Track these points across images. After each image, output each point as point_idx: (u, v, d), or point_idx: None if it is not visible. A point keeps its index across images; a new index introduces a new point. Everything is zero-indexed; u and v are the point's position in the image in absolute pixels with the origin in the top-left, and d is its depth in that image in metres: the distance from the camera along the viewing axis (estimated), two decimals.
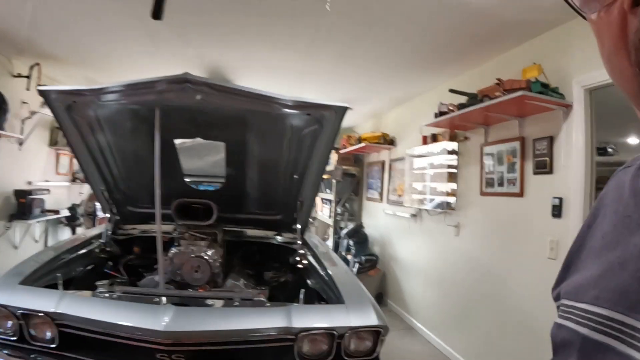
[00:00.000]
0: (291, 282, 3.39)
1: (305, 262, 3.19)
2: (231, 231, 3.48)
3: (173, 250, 2.88)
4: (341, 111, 2.52)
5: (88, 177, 3.16)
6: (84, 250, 3.10)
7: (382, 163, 6.67)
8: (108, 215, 3.46)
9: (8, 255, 4.92)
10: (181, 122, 2.77)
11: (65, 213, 5.90)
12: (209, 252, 2.83)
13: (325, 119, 2.60)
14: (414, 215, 5.49)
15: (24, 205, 4.91)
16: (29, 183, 5.25)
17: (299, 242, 3.35)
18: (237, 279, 2.99)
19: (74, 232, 6.00)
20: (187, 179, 3.26)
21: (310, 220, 4.62)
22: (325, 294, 2.68)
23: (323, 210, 8.12)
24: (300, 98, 2.50)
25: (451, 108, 4.09)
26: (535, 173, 3.36)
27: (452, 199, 4.60)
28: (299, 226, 3.38)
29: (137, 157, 3.04)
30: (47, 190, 5.43)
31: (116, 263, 3.34)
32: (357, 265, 6.27)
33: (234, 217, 3.41)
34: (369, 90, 5.46)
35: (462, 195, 4.49)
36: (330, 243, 7.38)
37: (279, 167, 3.03)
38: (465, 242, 4.41)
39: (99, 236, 3.31)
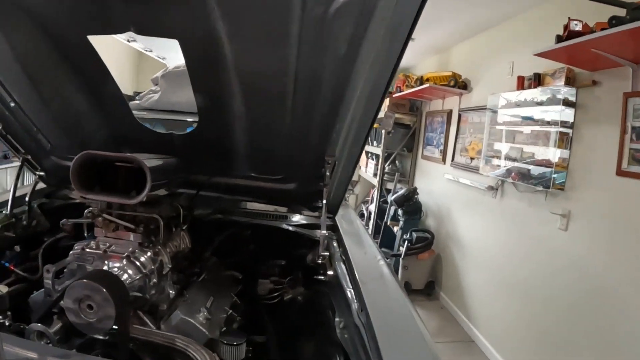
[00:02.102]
0: (300, 304, 2.16)
1: (330, 272, 1.88)
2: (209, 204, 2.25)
3: (74, 251, 1.58)
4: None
5: None
6: None
7: (448, 113, 5.41)
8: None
9: None
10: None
11: None
12: (135, 263, 1.54)
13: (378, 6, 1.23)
14: (491, 188, 4.19)
15: None
16: None
17: (324, 231, 1.96)
18: (193, 310, 1.68)
19: None
20: (137, 114, 1.91)
21: (350, 189, 3.12)
22: (351, 350, 1.44)
23: (367, 167, 6.87)
24: None
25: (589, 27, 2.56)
26: None
27: (560, 174, 3.25)
28: (324, 202, 1.99)
29: (38, 75, 1.75)
30: None
31: (29, 246, 2.14)
32: (405, 243, 4.87)
33: (215, 181, 2.13)
34: (433, 14, 3.99)
35: (580, 169, 3.16)
36: (373, 208, 6.02)
37: (286, 95, 1.61)
38: (576, 241, 3.13)
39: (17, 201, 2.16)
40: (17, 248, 2.14)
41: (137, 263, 1.54)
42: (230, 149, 1.97)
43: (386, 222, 5.95)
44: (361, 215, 6.67)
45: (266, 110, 1.75)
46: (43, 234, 2.33)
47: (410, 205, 5.39)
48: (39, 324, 1.42)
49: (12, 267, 2.02)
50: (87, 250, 1.55)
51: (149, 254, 1.61)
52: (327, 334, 1.67)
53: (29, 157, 2.18)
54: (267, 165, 2.08)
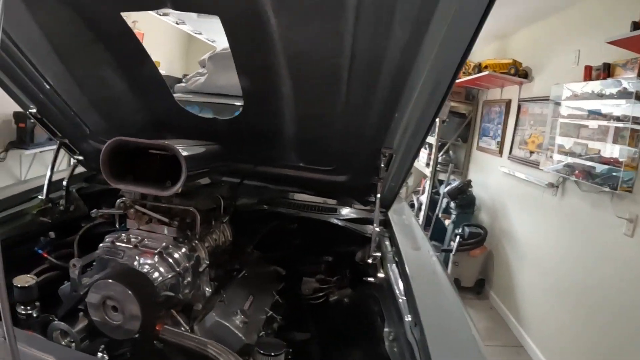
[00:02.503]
0: (346, 307, 1.97)
1: (381, 274, 1.71)
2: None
3: (103, 244, 1.49)
4: None
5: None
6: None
7: (507, 103, 5.05)
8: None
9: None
10: None
11: None
12: (167, 260, 1.43)
13: None
14: (551, 185, 3.87)
15: (23, 131, 3.94)
16: None
17: (376, 228, 1.80)
18: (230, 311, 1.55)
19: None
20: (181, 97, 1.78)
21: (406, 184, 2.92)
22: None
23: (420, 156, 6.44)
24: None
25: None
26: None
27: (628, 174, 2.92)
28: (377, 196, 1.82)
29: (71, 56, 1.65)
30: None
31: (66, 232, 2.06)
32: (457, 238, 4.61)
33: (260, 170, 1.97)
34: None
35: None
36: (424, 199, 5.80)
37: (340, 79, 1.43)
38: None
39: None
40: (52, 234, 2.07)
41: (170, 260, 1.42)
42: (277, 136, 1.81)
43: (437, 215, 5.70)
44: (411, 206, 6.42)
45: (318, 95, 1.57)
46: (80, 219, 2.27)
47: (464, 198, 5.12)
48: (62, 323, 1.33)
49: (45, 255, 1.95)
50: (118, 243, 1.44)
51: (183, 249, 1.49)
52: (374, 344, 1.51)
53: (67, 140, 2.11)
54: (317, 155, 1.91)
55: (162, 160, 1.50)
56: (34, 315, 1.46)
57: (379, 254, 1.77)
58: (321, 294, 2.04)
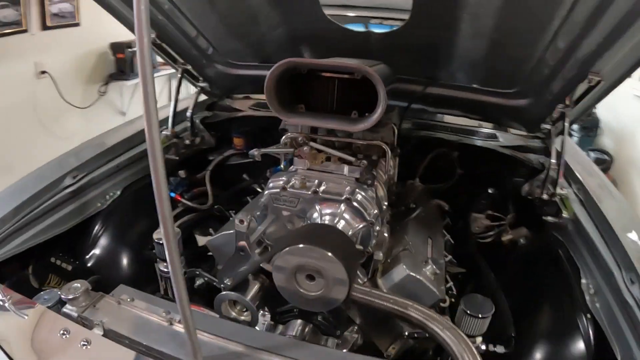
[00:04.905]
0: (525, 249, 1.68)
1: (566, 215, 1.45)
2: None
3: (270, 191, 1.23)
4: None
5: None
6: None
7: None
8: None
9: (114, 123, 3.96)
10: None
11: None
12: (356, 207, 1.17)
13: None
14: None
15: (122, 61, 3.80)
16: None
17: (553, 159, 1.54)
18: (418, 261, 1.30)
19: None
20: (327, 10, 1.46)
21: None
22: (612, 329, 1.12)
23: None
24: None
25: None
26: None
27: None
28: (566, 125, 1.51)
29: None
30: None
31: (194, 169, 1.97)
32: None
33: (428, 92, 1.67)
34: None
35: None
36: None
37: None
38: None
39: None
40: (182, 173, 1.90)
41: (360, 207, 1.17)
42: (448, 53, 1.51)
43: None
44: None
45: (525, 7, 1.24)
46: (208, 152, 2.08)
47: (587, 120, 4.53)
48: (233, 293, 1.15)
49: (178, 198, 1.79)
50: (291, 190, 1.19)
51: (369, 193, 1.22)
52: (571, 297, 1.30)
53: (189, 67, 1.87)
54: (497, 76, 1.59)
55: (327, 86, 1.22)
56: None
57: (565, 192, 1.50)
58: (492, 232, 1.76)
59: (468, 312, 1.17)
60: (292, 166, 1.34)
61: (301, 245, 0.96)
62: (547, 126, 1.66)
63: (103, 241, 1.55)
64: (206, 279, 1.35)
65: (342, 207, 1.15)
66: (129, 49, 3.65)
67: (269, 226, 1.22)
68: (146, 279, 1.46)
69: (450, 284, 1.40)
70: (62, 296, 1.00)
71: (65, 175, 1.47)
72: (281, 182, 1.20)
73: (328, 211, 1.15)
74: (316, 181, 1.20)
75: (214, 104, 2.15)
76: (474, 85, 1.65)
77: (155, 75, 3.95)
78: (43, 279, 1.38)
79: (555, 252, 1.49)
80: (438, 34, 1.42)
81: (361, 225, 1.16)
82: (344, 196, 1.15)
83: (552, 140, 1.60)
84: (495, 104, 1.67)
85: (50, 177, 1.45)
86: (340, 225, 1.14)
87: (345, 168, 1.25)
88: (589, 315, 1.20)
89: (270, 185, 1.22)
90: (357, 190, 1.19)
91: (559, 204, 1.52)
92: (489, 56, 1.46)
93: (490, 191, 1.85)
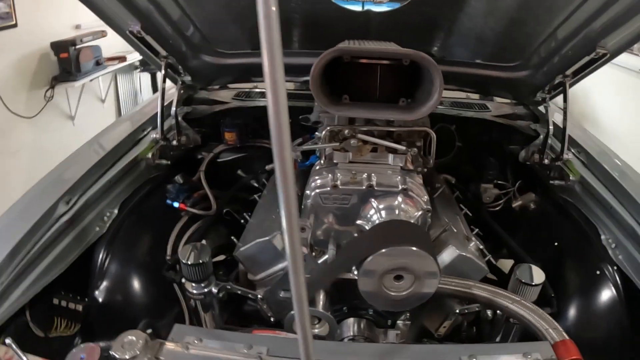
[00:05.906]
0: (537, 213, 1.79)
1: (573, 178, 1.56)
2: None
3: (319, 190, 1.16)
4: None
5: None
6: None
7: None
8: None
9: (63, 129, 3.71)
10: None
11: (138, 56, 4.34)
12: (414, 197, 1.16)
13: None
14: None
15: (67, 61, 3.52)
16: (77, 27, 3.85)
17: (551, 126, 1.68)
18: (461, 239, 1.33)
19: (154, 81, 4.48)
20: None
21: None
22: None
23: None
24: None
25: None
26: None
27: None
28: (568, 94, 1.61)
29: None
30: (102, 32, 3.84)
31: (187, 171, 1.83)
32: None
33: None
34: None
35: None
36: None
37: None
38: None
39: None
40: (179, 179, 1.74)
41: (415, 196, 1.14)
42: (451, 30, 1.51)
43: None
44: None
45: None
46: (194, 150, 1.93)
47: None
48: (315, 309, 1.06)
49: (183, 207, 1.65)
50: (343, 187, 1.13)
51: (417, 179, 1.21)
52: (587, 251, 1.42)
53: (172, 60, 1.70)
54: (501, 50, 1.60)
55: (359, 73, 1.17)
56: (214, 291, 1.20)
57: (568, 156, 1.58)
58: (500, 201, 1.85)
59: (523, 280, 1.18)
60: (324, 161, 1.26)
61: (391, 247, 0.91)
62: (543, 95, 1.75)
63: (111, 270, 1.34)
64: (239, 292, 1.26)
65: (400, 198, 1.11)
66: (73, 47, 3.38)
67: (315, 228, 1.15)
68: (169, 304, 1.35)
69: (489, 256, 1.42)
70: (117, 355, 0.79)
71: (58, 202, 1.25)
72: (329, 180, 1.14)
73: (384, 204, 1.10)
74: (365, 174, 1.15)
75: (190, 97, 2.00)
76: (478, 61, 1.68)
77: (102, 72, 3.73)
78: (47, 324, 1.19)
79: (568, 213, 1.58)
80: (442, 11, 1.42)
81: (419, 214, 1.13)
82: (400, 187, 1.11)
83: (548, 108, 1.70)
84: (495, 77, 1.72)
85: (41, 206, 1.22)
86: (401, 217, 1.10)
87: (390, 157, 1.21)
88: (615, 267, 1.30)
89: (315, 183, 1.16)
90: (407, 179, 1.17)
91: (564, 168, 1.60)
92: (500, 33, 1.48)
93: (492, 160, 1.93)
